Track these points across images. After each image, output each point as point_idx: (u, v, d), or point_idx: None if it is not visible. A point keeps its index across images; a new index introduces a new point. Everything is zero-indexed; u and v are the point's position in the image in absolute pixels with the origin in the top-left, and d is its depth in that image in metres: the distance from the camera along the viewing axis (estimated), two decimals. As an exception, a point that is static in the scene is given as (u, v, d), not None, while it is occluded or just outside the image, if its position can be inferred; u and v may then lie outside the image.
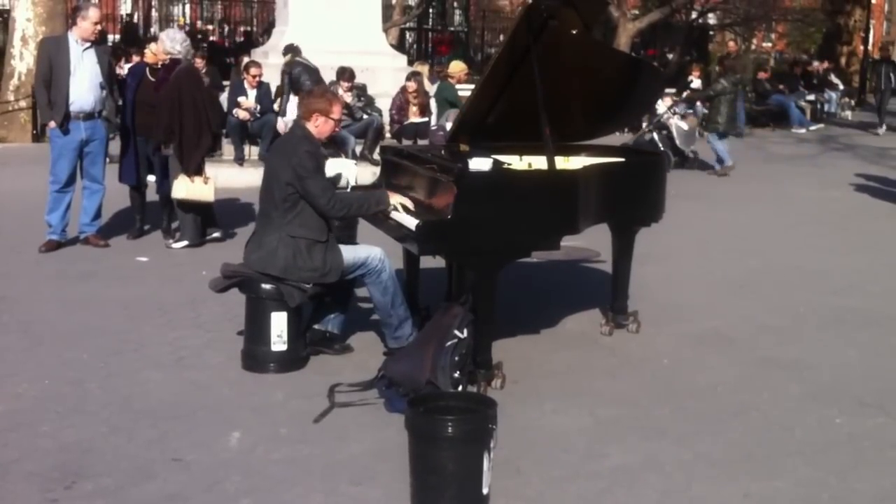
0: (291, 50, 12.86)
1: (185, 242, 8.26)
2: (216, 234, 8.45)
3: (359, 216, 5.64)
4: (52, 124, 7.95)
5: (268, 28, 25.81)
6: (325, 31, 14.00)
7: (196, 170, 8.05)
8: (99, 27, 8.22)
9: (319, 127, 5.34)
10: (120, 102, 8.62)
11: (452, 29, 30.11)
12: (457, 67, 14.84)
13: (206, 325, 6.06)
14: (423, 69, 15.76)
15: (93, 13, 8.09)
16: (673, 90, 16.40)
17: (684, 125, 13.71)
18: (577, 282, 7.43)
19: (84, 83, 7.95)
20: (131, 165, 8.64)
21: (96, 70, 8.04)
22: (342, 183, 7.23)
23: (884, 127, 19.74)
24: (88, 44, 8.01)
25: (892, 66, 20.36)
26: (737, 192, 12.22)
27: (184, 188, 8.01)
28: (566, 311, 6.44)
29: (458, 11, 31.93)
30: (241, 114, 12.12)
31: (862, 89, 27.17)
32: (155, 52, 8.59)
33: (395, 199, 5.34)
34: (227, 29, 28.52)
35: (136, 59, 11.71)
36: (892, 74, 19.93)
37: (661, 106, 13.30)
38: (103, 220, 8.50)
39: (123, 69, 11.41)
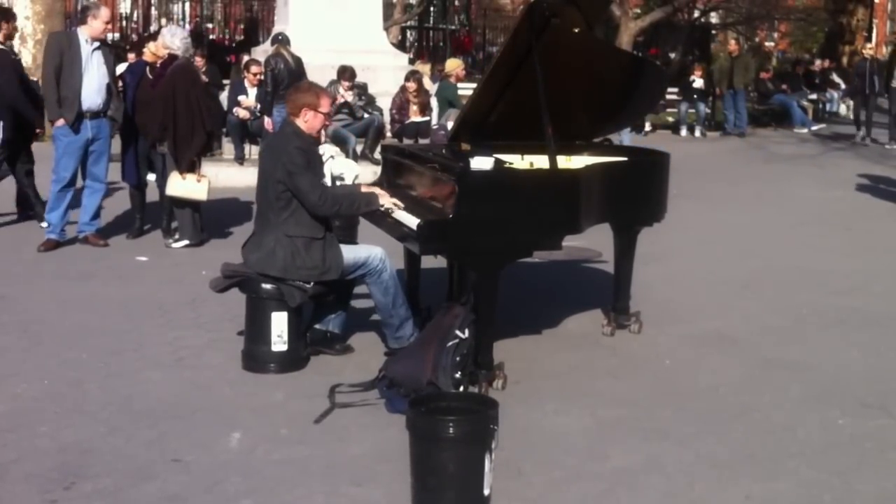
0: (278, 41, 12.72)
1: (185, 242, 8.24)
2: (186, 242, 8.28)
3: (349, 214, 5.62)
4: (62, 122, 7.91)
5: (248, 25, 25.87)
6: (325, 30, 13.98)
7: (189, 167, 8.02)
8: (109, 27, 8.22)
9: (309, 122, 5.30)
10: None
11: (453, 28, 30.10)
12: (453, 65, 14.79)
13: (206, 325, 6.04)
14: (425, 68, 15.73)
15: (105, 13, 8.11)
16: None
17: None
18: (579, 282, 7.41)
19: (94, 82, 7.95)
20: (132, 164, 8.63)
21: (104, 69, 8.04)
22: (346, 181, 7.20)
23: (868, 138, 17.62)
24: (97, 43, 8.01)
25: (876, 66, 17.96)
26: (739, 192, 12.21)
27: (177, 186, 7.99)
28: (568, 311, 6.42)
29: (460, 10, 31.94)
30: (242, 113, 12.09)
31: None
32: (153, 51, 8.59)
33: (386, 200, 5.32)
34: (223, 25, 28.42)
35: (131, 57, 11.70)
36: (878, 77, 17.50)
37: None
38: (103, 219, 8.49)
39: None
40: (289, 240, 5.17)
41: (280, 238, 5.18)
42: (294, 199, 5.16)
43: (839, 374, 5.43)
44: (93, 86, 7.93)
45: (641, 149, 6.74)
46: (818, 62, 24.96)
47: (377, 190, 5.50)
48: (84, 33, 7.97)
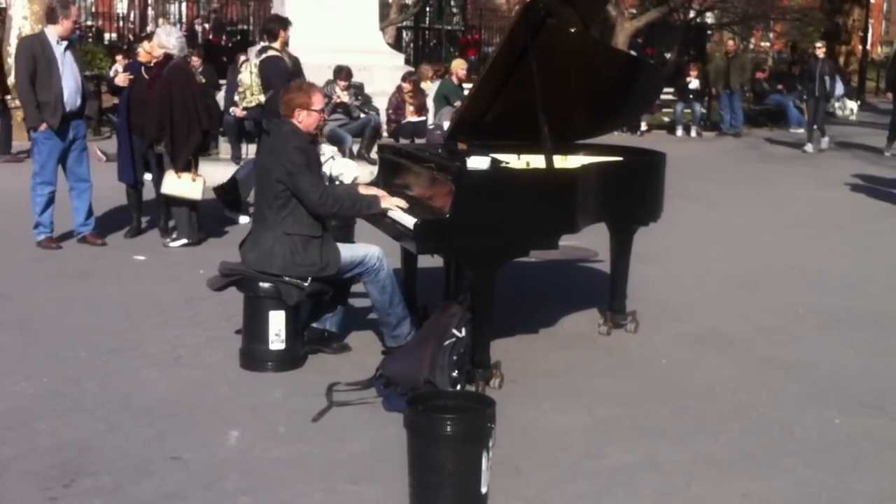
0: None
1: (183, 241, 8.25)
2: (184, 241, 8.28)
3: (350, 215, 5.64)
4: (44, 126, 7.84)
5: (220, 25, 25.75)
6: (322, 30, 13.98)
7: (185, 166, 8.03)
8: (77, 25, 8.22)
9: (304, 121, 5.32)
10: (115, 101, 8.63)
11: (450, 28, 30.10)
12: (456, 64, 14.80)
13: (204, 324, 6.05)
14: (427, 69, 15.76)
15: (75, 11, 8.08)
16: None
17: None
18: (575, 281, 7.43)
19: (71, 82, 7.90)
20: (128, 164, 8.63)
21: (76, 68, 8.01)
22: (345, 181, 7.20)
23: (825, 140, 16.64)
24: (66, 42, 7.96)
25: (828, 65, 16.87)
26: (735, 192, 12.23)
27: (172, 184, 8.00)
28: (564, 310, 6.43)
29: (455, 10, 31.92)
30: (239, 112, 12.08)
31: (861, 89, 27.14)
32: (147, 51, 8.59)
33: (388, 202, 5.33)
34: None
35: (121, 59, 11.69)
36: (829, 77, 16.49)
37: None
38: (99, 219, 8.49)
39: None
40: (287, 238, 5.18)
41: (278, 236, 5.19)
42: (293, 199, 5.17)
43: (836, 374, 5.45)
44: (71, 86, 7.90)
45: (638, 149, 6.75)
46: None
47: (378, 192, 5.50)
48: (54, 33, 7.86)
